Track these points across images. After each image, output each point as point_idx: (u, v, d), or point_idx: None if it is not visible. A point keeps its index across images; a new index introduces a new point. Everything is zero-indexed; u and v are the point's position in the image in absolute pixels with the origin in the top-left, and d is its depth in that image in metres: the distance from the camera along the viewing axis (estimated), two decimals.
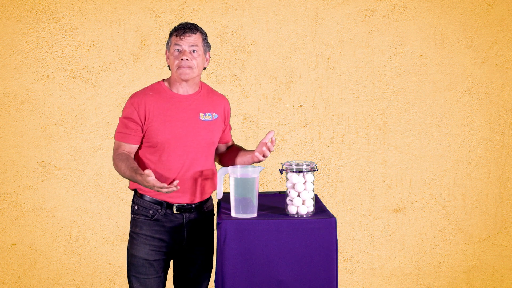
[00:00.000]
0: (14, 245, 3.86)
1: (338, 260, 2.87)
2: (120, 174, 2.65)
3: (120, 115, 2.78)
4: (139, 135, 2.67)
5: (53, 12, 3.79)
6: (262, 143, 2.62)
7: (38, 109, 3.81)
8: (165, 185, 2.46)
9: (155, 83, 2.75)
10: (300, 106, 3.94)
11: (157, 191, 2.48)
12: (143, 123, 2.65)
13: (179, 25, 2.68)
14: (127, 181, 3.83)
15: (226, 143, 2.88)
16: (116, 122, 3.83)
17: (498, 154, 4.04)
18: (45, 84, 3.80)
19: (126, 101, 3.78)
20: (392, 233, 4.02)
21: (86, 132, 3.83)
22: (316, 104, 3.94)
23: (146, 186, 2.50)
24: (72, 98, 3.82)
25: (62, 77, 3.81)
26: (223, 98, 2.83)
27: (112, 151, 2.79)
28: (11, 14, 3.77)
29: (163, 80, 2.76)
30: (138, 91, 2.74)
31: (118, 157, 2.65)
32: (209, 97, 2.76)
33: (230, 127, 2.89)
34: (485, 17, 3.96)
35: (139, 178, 2.51)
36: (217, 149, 2.87)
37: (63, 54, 3.81)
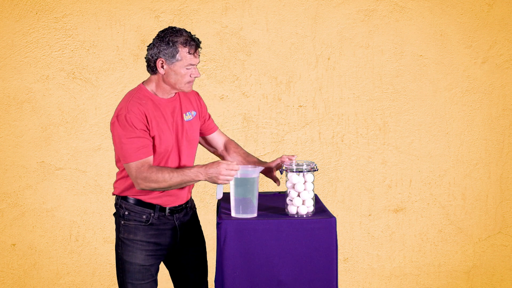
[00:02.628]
0: (14, 245, 3.86)
1: (338, 260, 2.87)
2: (162, 188, 2.51)
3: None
4: (152, 144, 2.57)
5: (53, 12, 3.79)
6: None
7: (38, 109, 3.81)
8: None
9: (137, 90, 2.62)
10: (300, 106, 3.94)
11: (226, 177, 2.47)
12: (149, 131, 2.56)
13: (188, 39, 2.56)
14: None
15: (214, 132, 2.85)
16: None
17: (498, 154, 4.04)
18: (45, 84, 3.80)
19: None
20: (392, 233, 4.02)
21: (86, 132, 3.83)
22: (316, 104, 3.94)
23: (213, 178, 2.46)
24: (72, 98, 3.82)
25: (62, 77, 3.81)
26: (195, 93, 2.79)
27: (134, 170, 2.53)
28: (11, 14, 3.77)
29: (142, 83, 2.65)
30: (126, 103, 2.56)
31: (150, 172, 2.49)
32: (185, 96, 2.71)
33: (209, 116, 2.85)
34: (485, 17, 3.96)
35: (209, 172, 2.46)
36: (211, 143, 2.85)
37: (63, 54, 3.81)
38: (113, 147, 3.85)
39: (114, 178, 3.86)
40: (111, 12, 3.80)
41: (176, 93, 2.68)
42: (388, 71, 3.95)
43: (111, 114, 3.83)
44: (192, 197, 2.82)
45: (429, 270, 4.05)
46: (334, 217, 2.42)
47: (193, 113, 2.71)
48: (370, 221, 4.00)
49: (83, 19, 3.80)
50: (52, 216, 3.84)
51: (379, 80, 3.96)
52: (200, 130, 2.79)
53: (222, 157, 2.86)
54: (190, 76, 2.58)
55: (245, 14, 3.87)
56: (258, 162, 2.76)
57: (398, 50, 3.94)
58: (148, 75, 2.69)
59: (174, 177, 2.49)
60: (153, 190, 2.57)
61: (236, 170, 2.45)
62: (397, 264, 4.03)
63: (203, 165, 2.49)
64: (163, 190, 2.56)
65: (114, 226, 3.92)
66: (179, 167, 2.62)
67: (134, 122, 2.51)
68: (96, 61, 3.82)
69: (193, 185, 2.75)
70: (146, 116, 2.54)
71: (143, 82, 2.66)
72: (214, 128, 2.86)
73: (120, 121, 2.53)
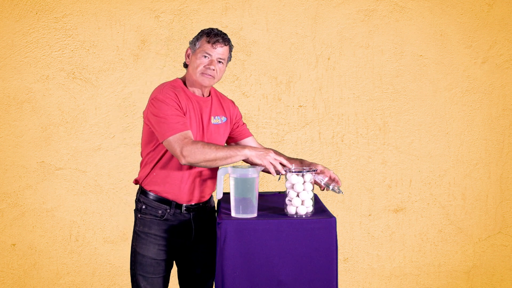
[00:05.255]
0: (14, 245, 3.86)
1: (338, 260, 2.87)
2: (207, 160, 2.47)
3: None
4: None
5: (53, 12, 3.79)
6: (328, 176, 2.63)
7: (38, 109, 3.81)
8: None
9: (173, 82, 2.70)
10: (300, 106, 3.94)
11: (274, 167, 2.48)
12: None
13: (214, 31, 2.65)
14: (127, 181, 3.83)
15: (247, 138, 2.88)
16: (116, 122, 3.83)
17: (498, 154, 4.04)
18: (45, 84, 3.80)
19: (126, 101, 3.81)
20: (392, 233, 4.02)
21: (86, 132, 3.83)
22: (316, 104, 3.94)
23: (261, 155, 2.47)
24: (72, 98, 3.82)
25: (62, 77, 3.81)
26: (230, 102, 2.87)
27: (181, 145, 2.49)
28: (11, 14, 3.77)
29: (178, 78, 2.74)
30: (162, 88, 2.61)
31: (195, 144, 2.48)
32: (219, 101, 2.79)
33: (243, 123, 2.90)
34: (485, 17, 3.96)
35: (257, 149, 2.48)
36: None
37: (63, 54, 3.81)
38: (113, 147, 3.86)
39: (114, 178, 3.88)
40: (111, 12, 3.80)
41: (209, 94, 2.74)
42: (388, 71, 3.95)
43: (111, 114, 3.83)
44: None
45: (429, 270, 4.05)
46: (334, 217, 2.42)
47: (223, 118, 2.75)
48: (370, 221, 4.00)
49: (83, 19, 3.80)
50: (52, 216, 3.84)
51: (379, 80, 3.96)
52: (231, 135, 2.84)
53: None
54: (204, 66, 2.63)
55: (245, 14, 3.87)
56: (299, 163, 2.72)
57: (398, 50, 3.94)
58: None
59: (220, 150, 2.48)
60: (197, 165, 2.52)
61: (281, 162, 2.48)
62: (397, 264, 4.03)
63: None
64: (207, 165, 2.51)
65: (114, 226, 3.94)
66: None
67: (169, 101, 2.55)
68: (96, 61, 3.82)
69: (214, 187, 2.77)
70: (179, 100, 2.59)
71: (179, 77, 2.76)
72: (247, 134, 2.88)
73: (154, 103, 2.57)
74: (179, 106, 2.58)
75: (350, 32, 3.92)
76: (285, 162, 2.48)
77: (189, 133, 2.54)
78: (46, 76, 3.81)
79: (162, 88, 2.63)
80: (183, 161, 2.50)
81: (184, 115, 2.59)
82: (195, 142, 2.51)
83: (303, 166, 2.67)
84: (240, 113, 2.89)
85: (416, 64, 3.96)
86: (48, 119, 3.82)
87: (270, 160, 2.47)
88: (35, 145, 3.82)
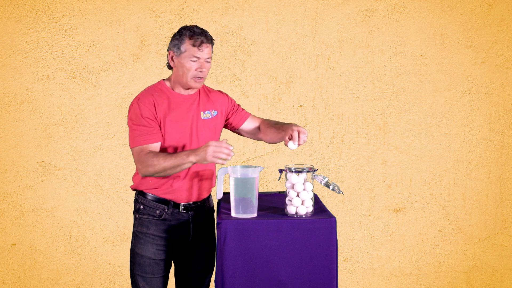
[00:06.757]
0: (14, 245, 3.86)
1: (338, 260, 2.87)
2: (158, 172, 2.54)
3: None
4: (160, 132, 2.62)
5: (53, 12, 3.79)
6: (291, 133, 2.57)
7: (38, 109, 3.81)
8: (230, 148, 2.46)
9: (156, 84, 2.72)
10: (300, 106, 3.94)
11: (222, 158, 2.45)
12: (158, 121, 2.62)
13: (196, 32, 2.62)
14: (127, 181, 3.83)
15: (246, 120, 2.86)
16: (116, 122, 3.83)
17: (498, 154, 4.04)
18: (45, 84, 3.81)
19: (126, 101, 3.81)
20: (392, 233, 4.02)
21: (86, 132, 3.83)
22: (316, 104, 3.94)
23: (202, 157, 2.45)
24: (72, 98, 3.82)
25: (62, 77, 3.81)
26: (218, 92, 2.83)
27: (138, 160, 2.58)
28: (11, 14, 3.77)
29: (163, 80, 2.74)
30: (142, 93, 2.67)
31: (147, 157, 2.54)
32: (206, 95, 2.77)
33: (240, 108, 2.87)
34: (485, 17, 3.96)
35: (198, 152, 2.46)
36: (249, 131, 2.86)
37: (63, 54, 3.81)
38: (113, 147, 3.86)
39: (114, 178, 3.88)
40: (111, 12, 3.80)
41: (197, 91, 2.73)
42: (388, 71, 3.95)
43: (111, 114, 3.83)
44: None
45: (429, 270, 4.05)
46: (334, 217, 2.42)
47: (213, 112, 2.74)
48: (370, 221, 4.00)
49: (83, 19, 3.80)
50: (52, 216, 3.85)
51: (379, 80, 3.96)
52: (232, 125, 2.84)
53: (263, 140, 2.87)
54: (196, 70, 2.61)
55: (245, 14, 3.87)
56: (282, 126, 2.69)
57: (398, 50, 3.94)
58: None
59: (167, 160, 2.52)
60: (153, 176, 2.58)
61: (225, 147, 2.45)
62: (397, 264, 4.03)
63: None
64: (161, 175, 2.57)
65: (114, 226, 3.94)
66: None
67: (142, 110, 2.59)
68: (96, 61, 3.82)
69: (212, 185, 2.77)
70: (155, 107, 2.60)
71: (164, 78, 2.76)
72: (245, 116, 2.86)
73: (130, 109, 2.63)
74: (153, 114, 2.59)
75: (350, 32, 3.92)
76: (226, 151, 2.44)
77: (150, 146, 2.57)
78: (46, 76, 3.81)
79: (141, 94, 2.66)
80: (141, 174, 2.60)
81: (160, 123, 2.60)
82: (147, 155, 2.55)
83: (281, 129, 2.64)
84: (231, 99, 2.85)
85: (416, 64, 3.96)
86: (48, 119, 3.82)
87: (213, 155, 2.45)
88: (35, 145, 3.82)
